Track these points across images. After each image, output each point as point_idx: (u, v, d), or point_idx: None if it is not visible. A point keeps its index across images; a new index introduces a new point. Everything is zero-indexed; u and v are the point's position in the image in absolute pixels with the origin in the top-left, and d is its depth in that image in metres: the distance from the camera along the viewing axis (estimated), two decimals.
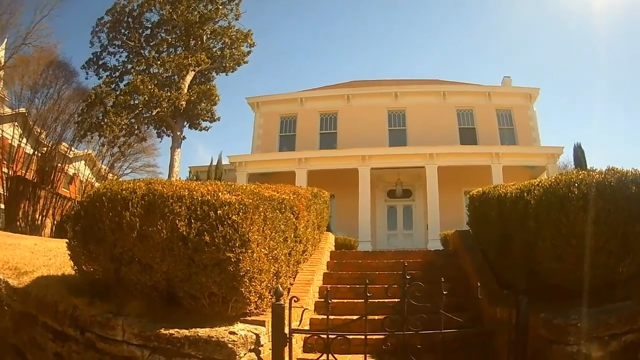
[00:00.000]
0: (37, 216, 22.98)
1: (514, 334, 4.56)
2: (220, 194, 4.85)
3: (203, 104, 24.62)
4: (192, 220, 4.56)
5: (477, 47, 73.59)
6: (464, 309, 6.36)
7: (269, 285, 5.04)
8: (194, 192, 4.82)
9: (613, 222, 4.42)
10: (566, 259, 4.55)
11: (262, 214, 4.96)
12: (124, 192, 4.84)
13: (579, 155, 16.63)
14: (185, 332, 4.21)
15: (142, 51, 24.94)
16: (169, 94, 22.68)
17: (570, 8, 59.27)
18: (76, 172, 30.51)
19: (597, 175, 4.75)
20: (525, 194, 5.37)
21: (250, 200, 4.84)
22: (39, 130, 25.31)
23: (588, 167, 5.51)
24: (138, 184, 5.08)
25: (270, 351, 4.49)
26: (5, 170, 23.38)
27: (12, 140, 25.13)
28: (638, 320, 4.17)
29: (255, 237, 4.69)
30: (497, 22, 68.21)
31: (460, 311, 5.57)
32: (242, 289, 4.53)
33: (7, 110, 25.71)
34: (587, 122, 67.31)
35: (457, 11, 68.55)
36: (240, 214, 4.59)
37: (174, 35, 25.28)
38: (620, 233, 4.42)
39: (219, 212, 4.56)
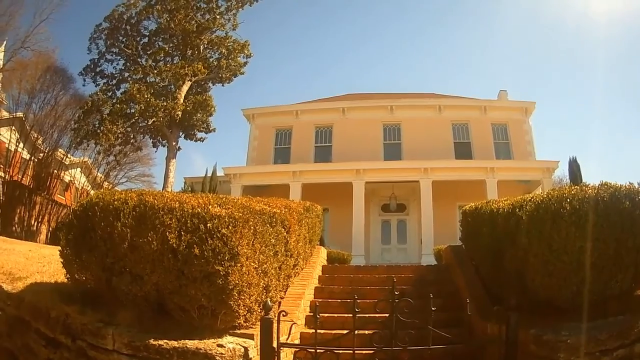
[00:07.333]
0: (32, 222, 22.85)
1: (504, 350, 4.54)
2: (210, 207, 4.85)
3: (199, 115, 24.44)
4: (182, 233, 4.55)
5: (473, 61, 73.97)
6: (455, 324, 6.35)
7: (258, 298, 5.02)
8: (185, 205, 4.82)
9: (606, 237, 4.40)
10: (557, 275, 4.53)
11: (252, 227, 4.96)
12: (116, 202, 4.85)
13: (574, 169, 16.63)
14: (174, 343, 4.20)
15: (139, 59, 24.82)
16: (165, 104, 22.54)
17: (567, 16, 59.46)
18: (72, 179, 30.26)
19: (590, 191, 4.74)
20: (517, 210, 5.35)
21: (240, 214, 4.85)
22: (35, 136, 25.18)
23: (583, 181, 5.51)
24: (130, 194, 5.09)
25: None
26: (1, 174, 23.22)
27: (9, 144, 24.92)
28: (630, 335, 4.14)
29: (245, 250, 4.68)
30: (494, 34, 68.59)
31: (451, 326, 5.56)
32: (231, 302, 4.52)
33: (5, 114, 25.41)
34: (585, 135, 67.42)
35: (453, 24, 68.93)
36: (230, 227, 4.59)
37: (171, 44, 25.19)
38: (613, 249, 4.40)
39: (208, 225, 4.56)
